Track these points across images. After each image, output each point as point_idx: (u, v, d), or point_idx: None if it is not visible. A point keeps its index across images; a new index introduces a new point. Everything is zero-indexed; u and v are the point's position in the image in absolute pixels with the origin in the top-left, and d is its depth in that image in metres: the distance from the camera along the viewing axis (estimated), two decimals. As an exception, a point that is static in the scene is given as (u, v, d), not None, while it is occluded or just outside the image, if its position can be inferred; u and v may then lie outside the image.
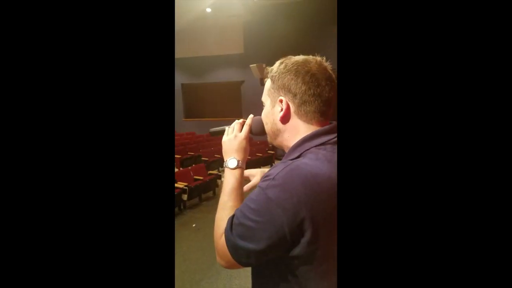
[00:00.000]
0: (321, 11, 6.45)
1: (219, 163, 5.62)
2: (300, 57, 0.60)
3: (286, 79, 0.58)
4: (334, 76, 0.60)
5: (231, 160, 0.65)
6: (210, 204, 4.00)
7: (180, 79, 8.50)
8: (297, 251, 0.50)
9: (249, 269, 0.63)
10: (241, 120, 0.70)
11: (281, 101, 0.59)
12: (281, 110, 0.59)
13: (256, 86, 7.51)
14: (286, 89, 0.58)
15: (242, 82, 7.87)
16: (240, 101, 7.99)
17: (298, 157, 0.56)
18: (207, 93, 8.83)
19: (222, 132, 0.72)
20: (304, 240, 0.49)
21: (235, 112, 7.91)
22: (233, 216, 0.55)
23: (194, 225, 3.37)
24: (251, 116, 0.69)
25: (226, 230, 0.55)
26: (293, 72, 0.58)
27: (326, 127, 0.58)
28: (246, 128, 0.67)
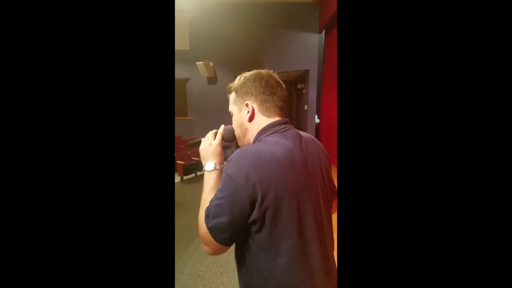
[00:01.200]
0: (268, 15, 6.62)
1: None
2: (254, 71, 0.77)
3: (247, 86, 0.75)
4: (280, 81, 0.77)
5: (209, 163, 0.76)
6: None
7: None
8: (254, 215, 0.61)
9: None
10: (214, 131, 0.83)
11: (247, 104, 0.74)
12: (248, 112, 0.74)
13: (202, 84, 7.37)
14: (249, 94, 0.74)
15: (188, 79, 7.64)
16: (185, 99, 7.74)
17: None
18: (149, 90, 8.31)
19: (198, 143, 0.84)
20: (257, 203, 0.61)
21: (180, 110, 7.63)
22: (208, 206, 0.65)
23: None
24: (222, 126, 0.83)
25: (205, 219, 0.65)
26: (252, 80, 0.75)
27: (276, 120, 0.73)
28: (219, 136, 0.80)
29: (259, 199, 0.60)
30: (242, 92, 0.75)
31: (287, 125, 0.73)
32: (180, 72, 7.68)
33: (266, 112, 0.73)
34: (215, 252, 0.66)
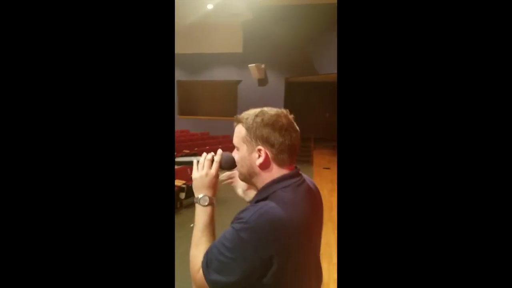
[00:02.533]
0: (320, 18, 6.48)
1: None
2: (272, 112, 0.70)
3: (264, 131, 0.67)
4: (296, 126, 0.71)
5: (203, 197, 0.71)
6: (205, 203, 3.94)
7: (176, 75, 8.43)
8: (265, 280, 0.60)
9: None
10: (210, 156, 0.75)
11: (259, 150, 0.68)
12: (259, 157, 0.68)
13: (253, 86, 7.52)
14: (264, 140, 0.68)
15: (239, 81, 7.86)
16: (236, 101, 7.98)
17: (266, 197, 0.66)
18: (203, 91, 8.76)
19: (188, 163, 0.79)
20: (271, 271, 0.60)
21: (230, 111, 7.87)
22: (207, 253, 0.63)
23: (192, 225, 3.32)
24: (219, 152, 0.76)
25: (203, 266, 0.62)
26: (271, 126, 0.67)
27: (290, 172, 0.70)
28: (215, 165, 0.74)
29: (274, 268, 0.59)
30: (256, 134, 0.68)
31: (300, 178, 0.71)
32: (232, 74, 7.96)
33: (279, 161, 0.69)
34: None
